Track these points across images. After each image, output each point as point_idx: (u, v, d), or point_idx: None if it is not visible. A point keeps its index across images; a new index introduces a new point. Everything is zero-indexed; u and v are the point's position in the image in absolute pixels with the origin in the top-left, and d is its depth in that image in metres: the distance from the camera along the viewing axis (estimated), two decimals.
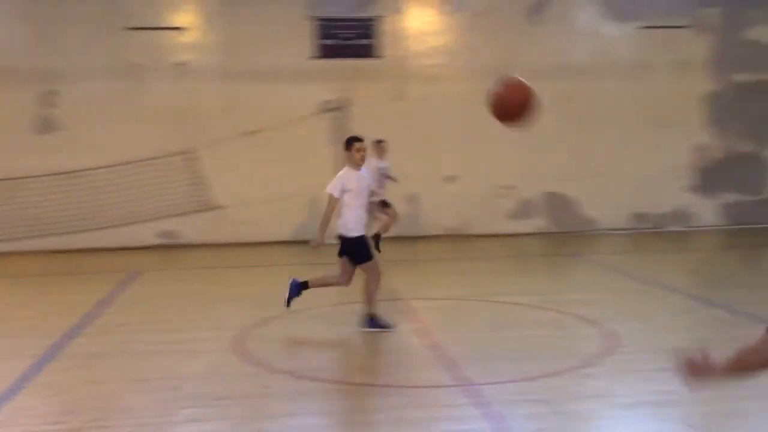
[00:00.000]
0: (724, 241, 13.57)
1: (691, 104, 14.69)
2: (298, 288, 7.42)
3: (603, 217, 14.57)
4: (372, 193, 9.75)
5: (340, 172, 7.28)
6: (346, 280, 7.35)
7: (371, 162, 11.58)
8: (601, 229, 14.46)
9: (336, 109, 13.67)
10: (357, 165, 7.22)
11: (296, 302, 7.40)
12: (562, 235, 14.07)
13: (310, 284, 7.46)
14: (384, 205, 11.41)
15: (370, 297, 7.21)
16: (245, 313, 7.99)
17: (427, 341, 6.94)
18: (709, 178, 14.87)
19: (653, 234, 14.20)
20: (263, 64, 13.61)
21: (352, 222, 7.18)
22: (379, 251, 10.64)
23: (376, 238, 11.16)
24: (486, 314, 8.04)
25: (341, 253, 7.26)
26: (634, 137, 14.48)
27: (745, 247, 12.19)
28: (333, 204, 7.15)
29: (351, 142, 7.28)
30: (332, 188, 7.16)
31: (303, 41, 13.67)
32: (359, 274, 7.27)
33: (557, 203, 14.58)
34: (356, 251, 7.19)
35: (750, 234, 13.79)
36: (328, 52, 13.72)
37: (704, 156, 14.87)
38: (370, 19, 13.89)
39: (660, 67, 14.52)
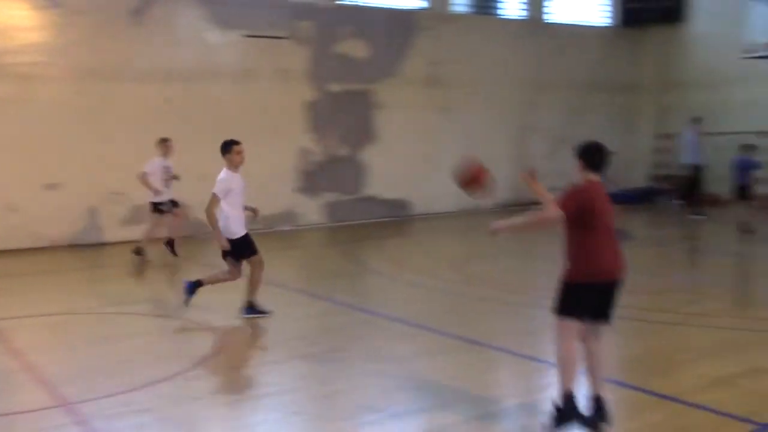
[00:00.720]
0: (327, 238, 14.68)
1: (295, 111, 15.64)
2: (192, 287, 7.80)
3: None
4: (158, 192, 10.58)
5: (222, 175, 7.52)
6: (236, 274, 7.73)
7: (155, 162, 11.40)
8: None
9: None
10: (236, 167, 7.57)
11: None
12: (178, 241, 13.94)
13: (204, 282, 7.83)
14: (173, 204, 11.49)
15: (254, 287, 7.61)
16: None
17: (21, 363, 6.37)
18: (312, 179, 15.99)
19: (264, 234, 14.78)
20: None
21: (234, 224, 7.51)
22: (177, 255, 11.26)
23: (170, 243, 11.43)
24: (91, 328, 7.64)
25: (225, 255, 7.54)
26: (244, 142, 14.91)
27: (346, 243, 13.34)
28: (215, 205, 7.38)
29: (230, 145, 7.60)
30: (219, 191, 7.41)
31: None
32: None
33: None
34: (241, 250, 7.55)
35: (349, 230, 15.11)
36: None
37: (307, 159, 15.94)
38: None
39: (264, 75, 15.20)
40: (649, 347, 6.53)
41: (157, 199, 11.46)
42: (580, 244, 4.85)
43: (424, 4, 17.50)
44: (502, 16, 18.92)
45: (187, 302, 7.82)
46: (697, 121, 16.13)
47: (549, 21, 19.51)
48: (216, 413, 5.26)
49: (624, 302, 8.28)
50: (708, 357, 6.15)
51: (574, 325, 4.82)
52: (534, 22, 19.14)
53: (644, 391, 5.42)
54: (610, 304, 4.89)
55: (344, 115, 16.28)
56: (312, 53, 15.79)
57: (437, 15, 17.44)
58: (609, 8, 20.89)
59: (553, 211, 4.72)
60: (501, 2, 18.91)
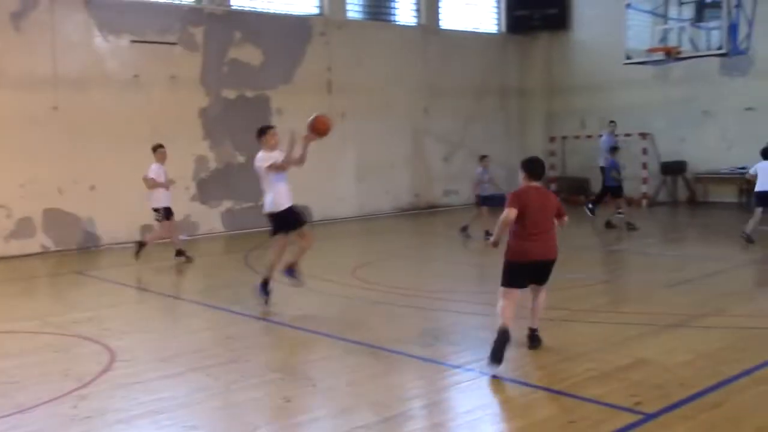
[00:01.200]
0: (225, 246, 14.47)
1: (188, 118, 15.36)
2: (264, 289, 8.35)
3: (108, 231, 14.36)
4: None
5: (265, 154, 8.45)
6: (284, 250, 8.36)
7: (158, 168, 11.83)
8: (108, 243, 14.23)
9: None
10: (272, 148, 8.52)
11: None
12: (66, 254, 13.46)
13: (270, 278, 8.43)
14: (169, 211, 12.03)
15: (300, 255, 8.39)
16: None
17: None
18: (209, 187, 15.72)
19: (160, 244, 14.42)
20: None
21: (282, 198, 8.37)
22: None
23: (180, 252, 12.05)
24: None
25: (276, 231, 8.31)
26: (136, 150, 14.54)
27: (244, 251, 13.16)
28: (276, 168, 8.40)
29: (265, 129, 8.76)
30: (273, 162, 8.34)
31: None
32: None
33: (58, 220, 13.89)
34: (288, 222, 8.27)
35: (248, 238, 14.93)
36: None
37: (204, 167, 15.67)
38: None
39: (155, 81, 14.85)
40: (541, 345, 6.74)
41: (159, 205, 11.84)
42: (515, 233, 6.32)
43: (317, 11, 17.53)
44: (395, 23, 19.18)
45: (266, 302, 8.36)
46: (612, 124, 16.59)
47: (441, 28, 19.91)
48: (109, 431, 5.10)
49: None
50: (596, 351, 6.40)
51: (511, 292, 6.36)
52: (427, 28, 19.50)
53: (536, 387, 5.61)
54: (543, 276, 6.55)
55: (240, 122, 16.07)
56: (204, 59, 15.55)
57: (331, 21, 17.51)
58: (497, 16, 21.52)
59: (506, 213, 6.21)
60: (394, 9, 19.16)
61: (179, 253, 12.13)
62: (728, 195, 18.03)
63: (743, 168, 17.40)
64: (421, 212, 19.23)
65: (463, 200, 20.31)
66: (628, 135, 19.45)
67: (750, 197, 17.44)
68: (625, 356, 6.22)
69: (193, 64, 15.38)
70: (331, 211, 17.66)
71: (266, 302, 8.44)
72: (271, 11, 16.72)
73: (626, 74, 17.93)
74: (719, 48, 13.71)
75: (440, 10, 19.90)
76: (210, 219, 15.76)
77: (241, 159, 16.18)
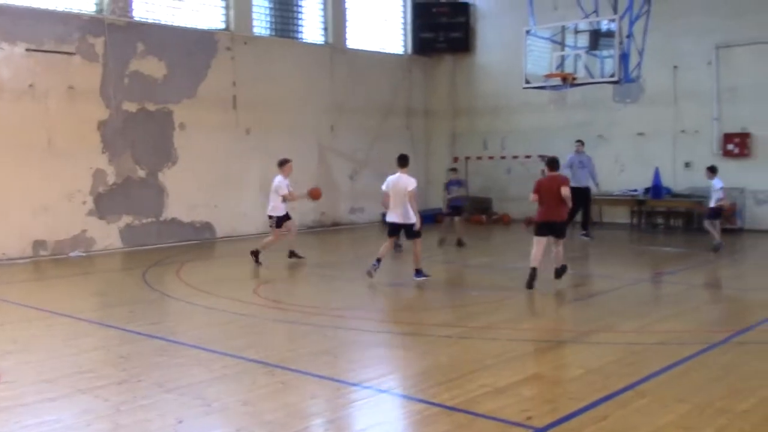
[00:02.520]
0: (123, 263, 14.03)
1: (86, 131, 14.88)
2: (419, 274, 10.85)
3: (1, 247, 13.75)
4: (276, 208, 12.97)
5: (283, 180, 12.44)
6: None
7: (283, 181, 13.00)
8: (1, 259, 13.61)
9: None
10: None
11: None
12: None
13: (418, 265, 10.94)
14: (287, 218, 13.20)
15: (419, 257, 10.96)
16: None
17: None
18: (108, 202, 15.26)
19: (54, 261, 13.91)
20: None
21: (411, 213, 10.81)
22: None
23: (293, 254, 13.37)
24: None
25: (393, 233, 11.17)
26: (29, 163, 14.02)
27: (143, 267, 12.81)
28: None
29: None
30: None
31: None
32: None
33: None
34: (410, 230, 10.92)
35: (148, 254, 14.55)
36: None
37: (102, 181, 15.19)
38: None
39: (54, 91, 14.35)
40: (436, 361, 6.84)
41: (277, 213, 12.84)
42: (539, 203, 10.37)
43: (224, 26, 17.37)
44: (303, 41, 19.19)
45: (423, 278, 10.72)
46: (580, 143, 16.71)
47: (348, 47, 20.06)
48: None
49: (413, 319, 8.67)
50: (492, 367, 6.54)
51: (540, 239, 10.32)
52: (334, 47, 19.60)
53: (431, 403, 5.67)
54: (555, 231, 10.38)
55: (141, 136, 15.73)
56: (104, 71, 15.13)
57: (237, 37, 17.38)
58: (404, 37, 21.86)
59: (532, 195, 10.41)
60: (301, 27, 19.19)
61: (292, 254, 13.15)
62: (621, 216, 18.81)
63: (635, 190, 18.22)
64: (327, 230, 19.22)
65: (369, 218, 20.45)
66: (528, 157, 20.08)
67: (641, 218, 18.31)
68: (520, 372, 6.38)
69: (92, 75, 14.94)
70: (235, 227, 17.43)
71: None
72: (176, 24, 16.44)
73: (526, 98, 18.50)
74: (612, 75, 14.30)
75: (347, 30, 20.06)
76: (108, 234, 15.28)
77: (141, 173, 15.80)
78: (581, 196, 15.74)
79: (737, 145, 17.20)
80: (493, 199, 21.25)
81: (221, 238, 17.07)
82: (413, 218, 10.77)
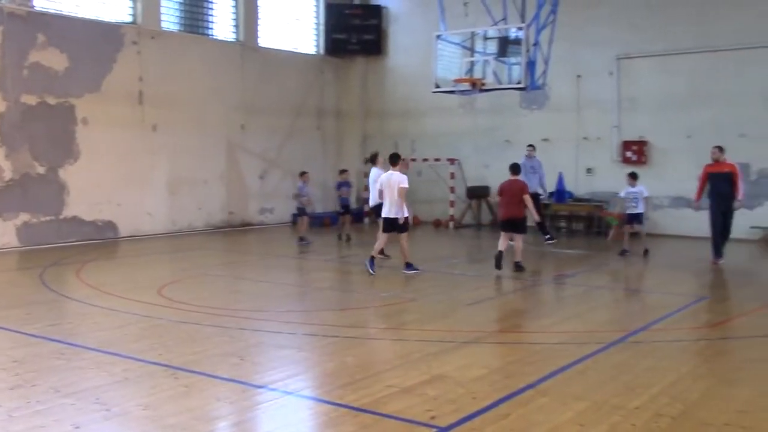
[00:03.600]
0: (20, 263, 13.46)
1: None
2: (410, 267, 11.78)
3: None
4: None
5: (402, 176, 11.71)
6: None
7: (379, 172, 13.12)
8: None
9: None
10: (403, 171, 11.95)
11: None
12: None
13: (408, 259, 11.96)
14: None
15: (406, 251, 11.85)
16: None
17: None
18: (4, 199, 14.61)
19: None
20: None
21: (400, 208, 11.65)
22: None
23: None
24: None
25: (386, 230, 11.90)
26: None
27: (42, 267, 12.32)
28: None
29: (399, 156, 12.01)
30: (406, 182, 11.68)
31: None
32: None
33: None
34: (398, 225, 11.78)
35: (47, 253, 14.02)
36: None
37: None
38: None
39: None
40: (343, 363, 6.85)
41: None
42: (500, 203, 12.25)
43: (130, 19, 16.91)
44: (213, 37, 18.89)
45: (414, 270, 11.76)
46: (531, 147, 16.46)
47: (260, 45, 19.86)
48: None
49: (320, 320, 8.66)
50: (398, 368, 6.60)
51: (504, 234, 12.14)
52: (245, 45, 19.37)
53: (338, 405, 5.68)
54: (512, 227, 12.06)
55: (40, 130, 15.13)
56: (2, 62, 14.49)
57: (144, 31, 16.95)
58: (316, 37, 21.82)
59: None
60: (212, 23, 18.88)
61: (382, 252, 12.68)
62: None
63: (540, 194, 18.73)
64: (235, 230, 18.97)
65: (279, 218, 20.30)
66: (437, 160, 20.37)
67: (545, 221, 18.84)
68: (425, 372, 6.46)
69: None
70: (139, 226, 16.99)
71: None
72: (79, 16, 15.89)
73: (436, 102, 18.77)
74: (519, 82, 14.66)
75: (259, 28, 19.86)
76: (3, 233, 14.64)
77: (40, 170, 15.21)
78: (536, 201, 15.56)
79: (635, 152, 17.95)
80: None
81: (125, 237, 16.60)
82: (403, 213, 11.68)
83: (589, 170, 18.45)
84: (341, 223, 16.75)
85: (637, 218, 14.27)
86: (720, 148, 13.33)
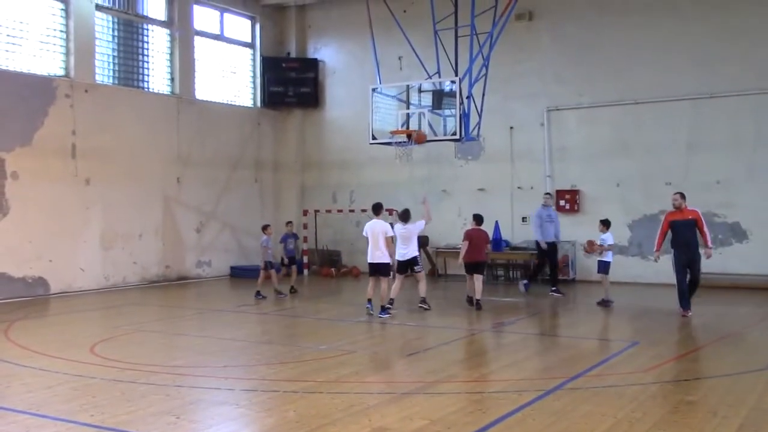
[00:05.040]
0: None
1: None
2: (384, 312, 12.59)
3: None
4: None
5: (414, 225, 13.33)
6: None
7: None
8: None
9: None
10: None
11: None
12: None
13: (384, 302, 12.78)
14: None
15: (385, 295, 12.83)
16: None
17: None
18: None
19: None
20: None
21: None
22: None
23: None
24: None
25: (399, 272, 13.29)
26: None
27: None
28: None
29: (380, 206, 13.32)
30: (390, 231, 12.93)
31: None
32: None
33: None
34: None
35: None
36: None
37: None
38: None
39: None
40: (283, 418, 6.76)
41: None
42: (467, 248, 13.59)
43: (63, 73, 16.73)
44: (148, 90, 18.80)
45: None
46: (548, 196, 16.40)
47: (197, 98, 19.85)
48: None
49: (258, 375, 8.54)
50: (338, 422, 6.54)
51: (469, 275, 13.73)
52: (181, 98, 19.33)
53: None
54: (478, 269, 13.56)
55: None
56: None
57: (77, 84, 16.77)
58: (253, 90, 21.93)
59: (464, 243, 13.71)
60: (147, 76, 18.80)
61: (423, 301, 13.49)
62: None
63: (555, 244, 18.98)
64: (172, 284, 18.63)
65: (216, 272, 20.06)
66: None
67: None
68: (365, 426, 6.41)
69: None
70: (71, 282, 16.55)
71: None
72: (10, 69, 15.65)
73: (373, 153, 19.00)
74: (454, 133, 14.99)
75: (195, 81, 19.86)
76: None
77: None
78: (551, 251, 15.72)
79: (568, 201, 18.42)
80: (342, 251, 21.45)
81: (56, 294, 16.14)
82: (388, 259, 12.69)
83: (524, 219, 18.82)
84: (285, 275, 16.52)
85: (603, 266, 13.97)
86: (682, 195, 12.71)
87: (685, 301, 12.51)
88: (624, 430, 6.25)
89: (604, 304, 13.86)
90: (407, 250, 13.08)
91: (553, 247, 15.79)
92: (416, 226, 13.24)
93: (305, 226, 21.37)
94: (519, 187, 19.11)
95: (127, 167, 17.79)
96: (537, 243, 15.90)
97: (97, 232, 17.16)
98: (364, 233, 12.99)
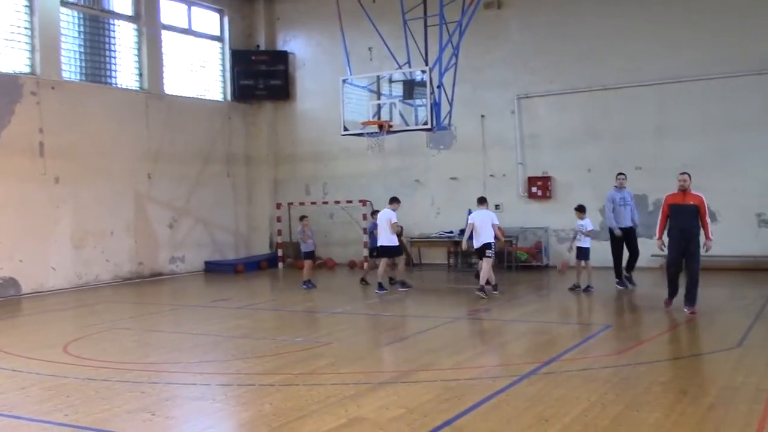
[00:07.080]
0: None
1: None
2: (404, 285, 15.11)
3: None
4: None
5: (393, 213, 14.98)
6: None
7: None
8: None
9: None
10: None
11: None
12: None
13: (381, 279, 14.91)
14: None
15: (384, 273, 14.95)
16: None
17: None
18: None
19: None
20: None
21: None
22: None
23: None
24: None
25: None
26: None
27: None
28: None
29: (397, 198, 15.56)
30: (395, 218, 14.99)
31: None
32: None
33: None
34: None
35: None
36: None
37: None
38: None
39: None
40: (260, 411, 6.75)
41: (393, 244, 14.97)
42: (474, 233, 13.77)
43: (28, 70, 16.49)
44: (116, 86, 18.60)
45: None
46: (623, 176, 14.81)
47: (166, 93, 19.67)
48: None
49: (234, 369, 8.53)
50: (315, 413, 6.55)
51: (484, 260, 13.70)
52: (150, 93, 19.15)
53: None
54: (480, 254, 13.74)
55: None
56: None
57: (44, 81, 16.55)
58: (222, 84, 21.78)
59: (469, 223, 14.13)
60: (115, 72, 18.60)
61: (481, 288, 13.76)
62: (438, 257, 19.59)
63: (450, 232, 19.06)
64: (145, 281, 18.50)
65: (190, 267, 19.95)
66: (349, 201, 20.50)
67: (457, 259, 19.11)
68: (342, 416, 6.43)
69: None
70: (43, 282, 16.37)
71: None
72: None
73: (345, 144, 18.97)
74: (425, 123, 15.00)
75: (164, 76, 19.67)
76: None
77: None
78: (629, 237, 14.18)
79: (540, 187, 18.54)
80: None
81: (28, 294, 15.96)
82: (393, 242, 14.85)
83: (497, 206, 18.91)
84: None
85: (582, 252, 13.86)
86: (689, 175, 11.24)
87: (672, 293, 11.67)
88: (597, 412, 6.33)
89: (587, 290, 13.88)
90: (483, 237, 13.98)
91: (630, 232, 14.21)
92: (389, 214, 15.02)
93: (279, 219, 21.30)
94: (491, 175, 19.20)
95: (96, 164, 17.61)
96: (610, 230, 14.25)
97: (68, 231, 16.98)
98: (470, 221, 14.01)
